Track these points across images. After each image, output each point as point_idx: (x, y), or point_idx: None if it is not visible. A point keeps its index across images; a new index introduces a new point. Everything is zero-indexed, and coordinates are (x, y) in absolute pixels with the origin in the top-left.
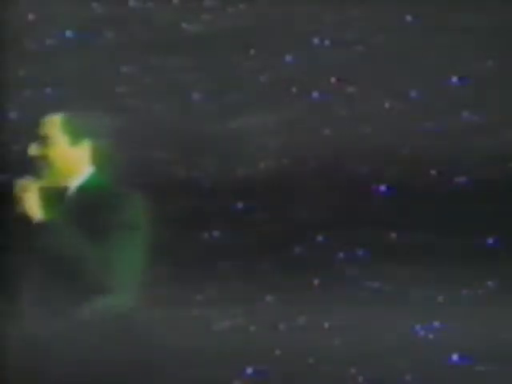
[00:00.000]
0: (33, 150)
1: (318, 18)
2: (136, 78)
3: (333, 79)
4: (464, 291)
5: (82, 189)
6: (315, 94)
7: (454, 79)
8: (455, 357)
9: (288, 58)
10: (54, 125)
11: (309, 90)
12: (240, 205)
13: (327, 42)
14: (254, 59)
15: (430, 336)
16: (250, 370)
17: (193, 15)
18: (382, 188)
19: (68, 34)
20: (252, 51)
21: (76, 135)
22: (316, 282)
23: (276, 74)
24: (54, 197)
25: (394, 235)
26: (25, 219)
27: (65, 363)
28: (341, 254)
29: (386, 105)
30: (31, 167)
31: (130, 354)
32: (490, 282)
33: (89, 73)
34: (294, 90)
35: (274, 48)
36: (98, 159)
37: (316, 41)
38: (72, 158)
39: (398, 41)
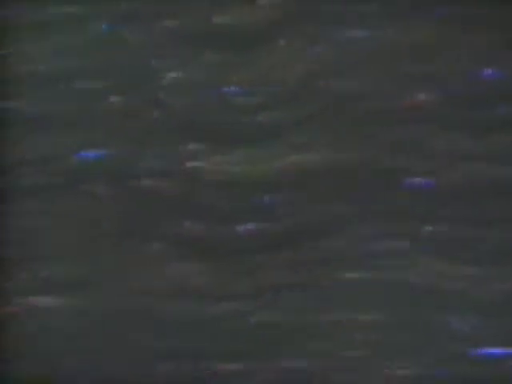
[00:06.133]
0: None
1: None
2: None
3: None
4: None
5: None
6: (343, 87)
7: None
8: (489, 350)
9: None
10: None
11: (337, 82)
12: (271, 197)
13: (355, 34)
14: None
15: (466, 329)
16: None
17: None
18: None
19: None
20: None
21: None
22: (351, 274)
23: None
24: None
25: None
26: None
27: None
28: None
29: (421, 97)
30: None
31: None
32: None
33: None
34: (321, 83)
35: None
36: None
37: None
38: None
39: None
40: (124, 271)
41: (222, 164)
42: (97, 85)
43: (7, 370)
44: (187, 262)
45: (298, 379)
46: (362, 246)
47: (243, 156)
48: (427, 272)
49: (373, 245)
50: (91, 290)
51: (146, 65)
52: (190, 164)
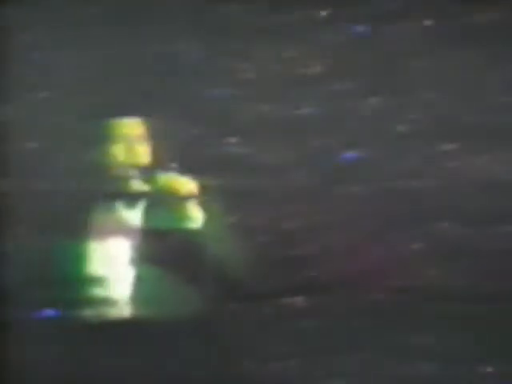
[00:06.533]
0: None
1: None
2: None
3: None
4: None
5: None
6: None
7: None
8: None
9: None
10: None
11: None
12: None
13: None
14: None
15: None
16: None
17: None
18: None
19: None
20: None
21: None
22: None
23: None
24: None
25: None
26: None
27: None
28: None
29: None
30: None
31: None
32: None
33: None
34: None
35: None
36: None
37: None
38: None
39: None
40: (381, 271)
41: (480, 164)
42: (353, 86)
43: None
44: (445, 262)
45: None
46: None
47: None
48: None
49: None
50: (346, 288)
51: (400, 65)
52: (446, 164)
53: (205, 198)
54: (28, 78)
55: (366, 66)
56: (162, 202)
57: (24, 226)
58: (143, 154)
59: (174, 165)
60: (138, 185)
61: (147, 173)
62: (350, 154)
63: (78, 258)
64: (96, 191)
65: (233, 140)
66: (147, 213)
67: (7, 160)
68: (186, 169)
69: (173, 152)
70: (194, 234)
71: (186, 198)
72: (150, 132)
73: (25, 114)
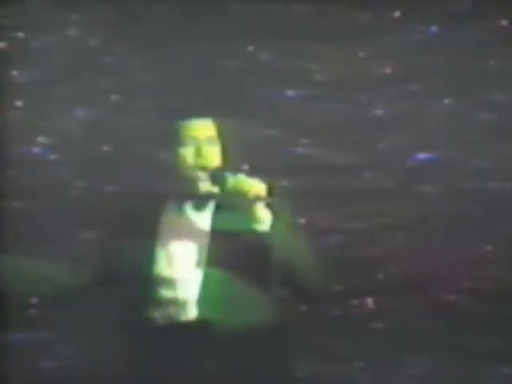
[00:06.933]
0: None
1: None
2: None
3: None
4: None
5: None
6: None
7: None
8: None
9: None
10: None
11: None
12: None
13: None
14: None
15: None
16: None
17: None
18: None
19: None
20: None
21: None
22: None
23: None
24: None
25: None
26: None
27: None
28: None
29: None
30: None
31: None
32: None
33: None
34: None
35: None
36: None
37: None
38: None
39: None
40: (452, 272)
41: None
42: (427, 87)
43: None
44: None
45: None
46: None
47: None
48: None
49: None
50: (416, 290)
51: (474, 66)
52: None
53: (274, 199)
54: (100, 82)
55: (440, 66)
56: (231, 204)
57: (98, 226)
58: (214, 155)
59: (244, 166)
60: (207, 186)
61: (217, 174)
62: (423, 155)
63: (147, 259)
64: (167, 192)
65: (305, 141)
66: (216, 214)
67: (83, 162)
68: (257, 170)
69: (244, 153)
70: (262, 235)
71: (255, 199)
72: (221, 133)
73: (98, 116)
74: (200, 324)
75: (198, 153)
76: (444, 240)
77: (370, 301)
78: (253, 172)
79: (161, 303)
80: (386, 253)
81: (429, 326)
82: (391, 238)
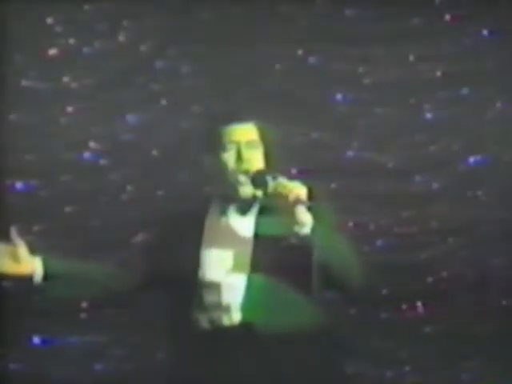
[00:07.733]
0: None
1: None
2: None
3: None
4: None
5: None
6: None
7: None
8: None
9: None
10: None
11: None
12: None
13: None
14: None
15: None
16: None
17: None
18: None
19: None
20: None
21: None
22: None
23: None
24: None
25: None
26: None
27: None
28: None
29: None
30: None
31: None
32: None
33: None
34: None
35: None
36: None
37: None
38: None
39: None
40: (505, 276)
41: None
42: (480, 90)
43: None
44: None
45: None
46: None
47: None
48: None
49: None
50: (468, 294)
51: None
52: None
53: (316, 202)
54: (151, 87)
55: (491, 69)
56: (272, 207)
57: (147, 230)
58: (255, 159)
59: (290, 169)
60: (249, 190)
61: (258, 178)
62: (475, 159)
63: (192, 263)
64: (211, 196)
65: (355, 144)
66: (259, 218)
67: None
68: (306, 173)
69: (294, 157)
70: (304, 238)
71: (296, 202)
72: (263, 137)
73: (148, 121)
74: (244, 328)
75: (240, 157)
76: (496, 244)
77: (420, 305)
78: (302, 175)
79: (205, 307)
80: (438, 256)
81: (481, 330)
82: (443, 242)
